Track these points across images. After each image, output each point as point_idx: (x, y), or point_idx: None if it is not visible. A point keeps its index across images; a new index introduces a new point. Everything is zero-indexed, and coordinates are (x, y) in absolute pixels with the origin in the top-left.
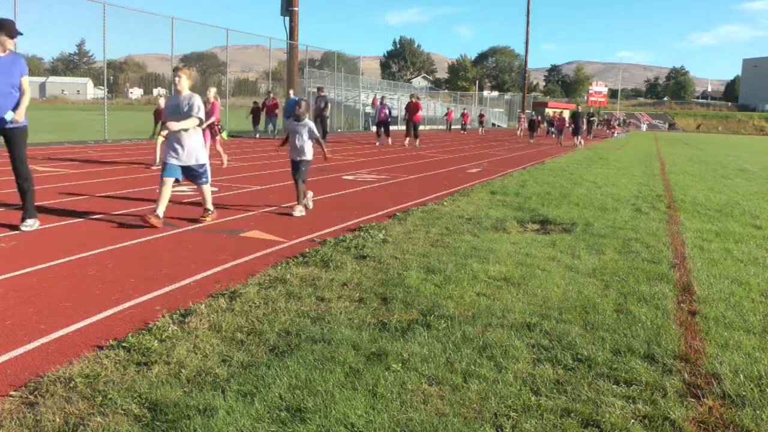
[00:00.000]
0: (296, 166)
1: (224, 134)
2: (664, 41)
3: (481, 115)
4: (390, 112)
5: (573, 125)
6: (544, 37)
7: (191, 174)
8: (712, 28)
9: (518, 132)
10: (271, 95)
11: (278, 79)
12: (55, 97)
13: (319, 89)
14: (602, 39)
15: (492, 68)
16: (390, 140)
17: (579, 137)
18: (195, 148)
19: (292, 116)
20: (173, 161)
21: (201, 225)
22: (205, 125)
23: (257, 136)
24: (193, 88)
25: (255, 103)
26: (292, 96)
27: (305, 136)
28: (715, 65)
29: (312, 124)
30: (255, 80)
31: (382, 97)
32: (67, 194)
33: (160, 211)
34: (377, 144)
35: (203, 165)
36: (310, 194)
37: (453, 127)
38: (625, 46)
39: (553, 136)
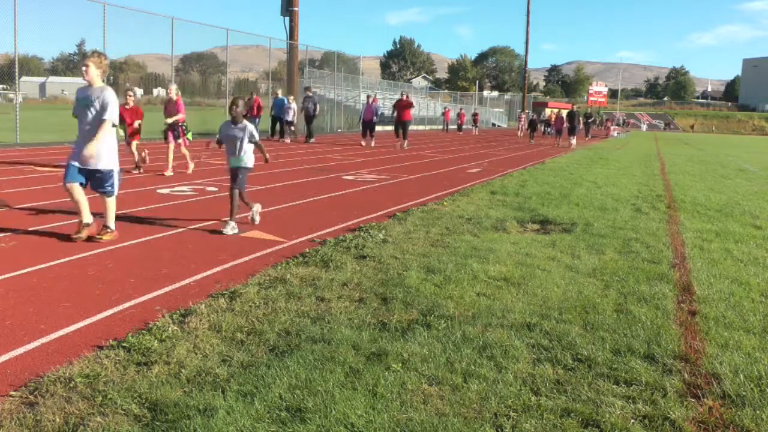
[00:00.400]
0: (234, 174)
1: (189, 135)
2: (664, 41)
3: (476, 115)
4: (377, 112)
5: (569, 125)
6: (544, 37)
7: (94, 180)
8: (712, 28)
9: (519, 133)
10: (254, 95)
11: (278, 79)
12: (55, 97)
13: (306, 89)
14: (602, 39)
15: (492, 68)
16: (374, 142)
17: (574, 137)
18: (102, 151)
19: (229, 119)
20: (74, 163)
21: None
22: (171, 121)
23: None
24: (192, 89)
25: (244, 102)
26: (279, 95)
27: (245, 141)
28: (715, 65)
29: (252, 127)
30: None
31: (369, 95)
32: (67, 194)
33: (86, 218)
34: (363, 145)
35: (110, 172)
36: (257, 207)
37: (450, 127)
38: (625, 46)
39: (550, 136)
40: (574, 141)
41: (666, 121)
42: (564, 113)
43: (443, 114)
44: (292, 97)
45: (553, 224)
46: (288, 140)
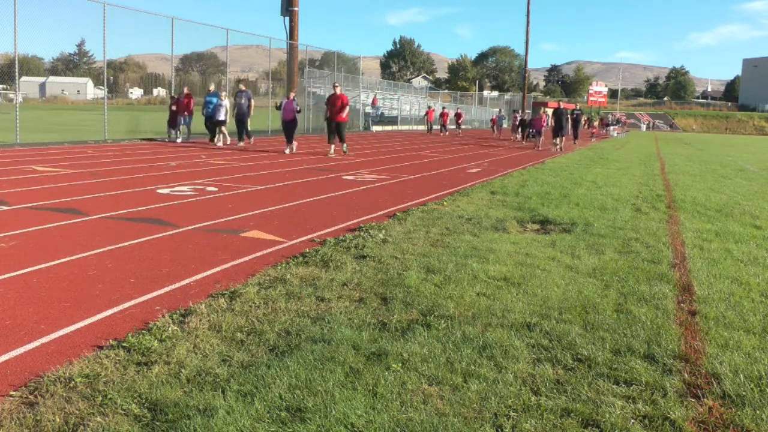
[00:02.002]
0: None
1: None
2: (664, 41)
3: (458, 114)
4: (298, 110)
5: (554, 125)
6: (544, 37)
7: None
8: (712, 28)
9: (495, 133)
10: (186, 90)
11: (278, 79)
12: (55, 97)
13: (239, 81)
14: (602, 39)
15: (492, 68)
16: (295, 146)
17: (560, 139)
18: None
19: None
20: None
21: (200, 225)
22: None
23: (171, 138)
24: (192, 89)
25: (172, 98)
26: (212, 90)
27: None
28: (715, 65)
29: None
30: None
31: (290, 91)
32: (67, 194)
33: None
34: (286, 152)
35: None
36: None
37: (434, 127)
38: (625, 46)
39: (532, 141)
40: (559, 143)
41: (667, 122)
42: (548, 111)
43: (426, 114)
44: (224, 93)
45: (553, 224)
46: (221, 144)
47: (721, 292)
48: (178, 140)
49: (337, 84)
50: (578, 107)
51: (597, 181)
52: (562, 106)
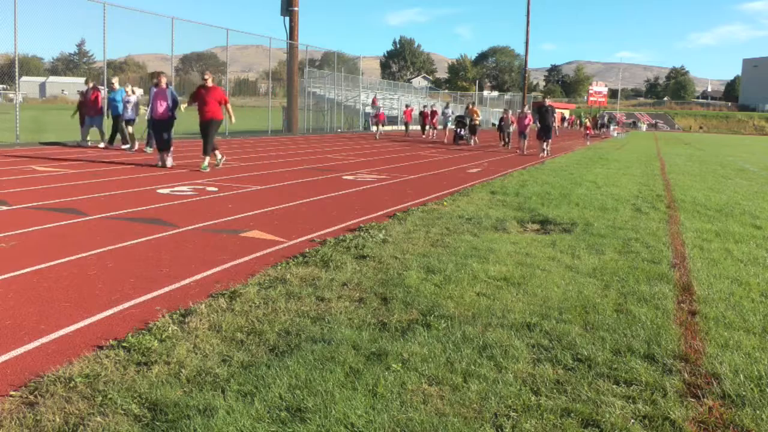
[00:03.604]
0: None
1: None
2: (664, 41)
3: (433, 113)
4: (176, 104)
5: (540, 126)
6: (544, 37)
7: None
8: (711, 28)
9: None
10: (92, 85)
11: (278, 79)
12: (55, 97)
13: (154, 75)
14: (602, 39)
15: (492, 68)
16: (171, 159)
17: (548, 142)
18: None
19: None
20: None
21: (200, 225)
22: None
23: (81, 142)
24: (192, 88)
25: (81, 94)
26: (116, 86)
27: None
28: (715, 65)
29: None
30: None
31: (162, 74)
32: (67, 194)
33: None
34: (159, 164)
35: None
36: None
37: (412, 128)
38: (625, 46)
39: (502, 144)
40: (547, 147)
41: (668, 123)
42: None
43: (404, 113)
44: (131, 87)
45: (553, 224)
46: (126, 147)
47: (721, 292)
48: (90, 144)
49: (207, 75)
50: (547, 101)
51: (597, 181)
52: (547, 103)
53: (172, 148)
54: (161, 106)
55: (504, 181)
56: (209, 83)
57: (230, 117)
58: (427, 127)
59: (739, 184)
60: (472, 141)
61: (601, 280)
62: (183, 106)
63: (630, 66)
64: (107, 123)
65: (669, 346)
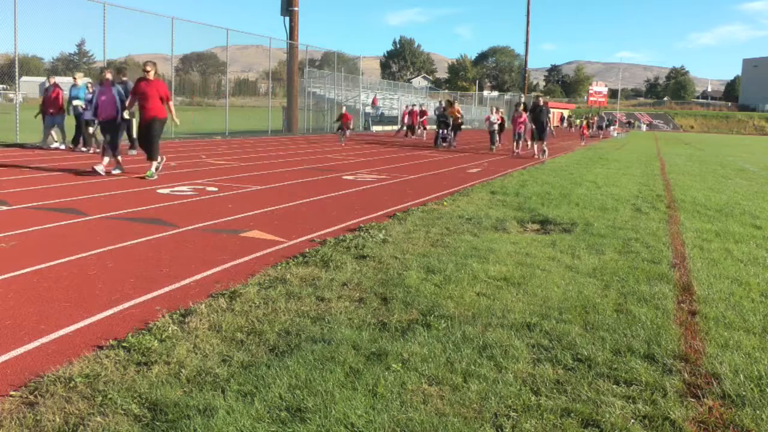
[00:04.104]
0: None
1: None
2: (664, 41)
3: (423, 112)
4: (123, 105)
5: (535, 126)
6: (544, 37)
7: None
8: (711, 28)
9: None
10: (52, 80)
11: (278, 79)
12: None
13: (116, 71)
14: (602, 39)
15: (492, 68)
16: (117, 163)
17: (543, 143)
18: None
19: None
20: None
21: (200, 225)
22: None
23: (46, 143)
24: (192, 88)
25: (47, 91)
26: (78, 83)
27: None
28: (715, 65)
29: None
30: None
31: (104, 71)
32: (67, 194)
33: None
34: (102, 172)
35: None
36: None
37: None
38: (625, 46)
39: (492, 147)
40: (545, 148)
41: (669, 123)
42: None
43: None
44: (89, 81)
45: (553, 224)
46: (90, 150)
47: (721, 292)
48: (53, 146)
49: (149, 66)
50: (541, 100)
51: (597, 181)
52: (542, 102)
53: (119, 156)
54: (105, 106)
55: (504, 181)
56: (150, 76)
57: (172, 117)
58: (415, 127)
59: (739, 184)
60: (455, 143)
61: (601, 280)
62: (127, 110)
63: (630, 66)
64: (71, 122)
65: (669, 346)
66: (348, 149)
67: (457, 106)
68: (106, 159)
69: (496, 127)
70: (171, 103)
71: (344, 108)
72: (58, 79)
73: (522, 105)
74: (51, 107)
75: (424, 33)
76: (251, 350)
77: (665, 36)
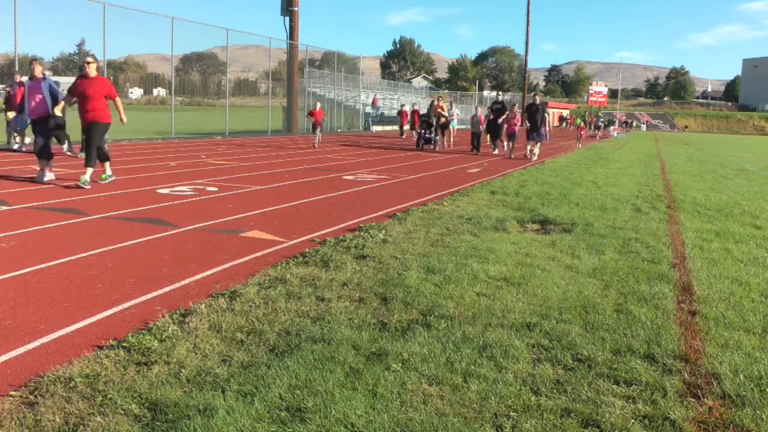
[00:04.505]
0: None
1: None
2: (664, 41)
3: (413, 112)
4: (54, 101)
5: (530, 126)
6: (544, 37)
7: None
8: (711, 28)
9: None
10: (17, 78)
11: (278, 79)
12: None
13: (35, 60)
14: (602, 39)
15: (492, 68)
16: (49, 171)
17: (537, 144)
18: None
19: None
20: None
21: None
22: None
23: (10, 144)
24: (192, 88)
25: (9, 90)
26: (39, 75)
27: None
28: (715, 65)
29: None
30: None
31: (33, 63)
32: (67, 194)
33: None
34: (36, 179)
35: None
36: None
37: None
38: (625, 46)
39: (472, 150)
40: (536, 149)
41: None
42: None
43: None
44: (48, 73)
45: (553, 224)
46: (65, 148)
47: (721, 292)
48: (15, 147)
49: (90, 59)
50: (538, 99)
51: (597, 181)
52: (538, 101)
53: (51, 161)
54: (35, 103)
55: (504, 181)
56: (92, 72)
57: (120, 115)
58: (406, 127)
59: (739, 184)
60: (440, 145)
61: (601, 280)
62: (59, 107)
63: (630, 66)
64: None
65: (669, 346)
66: (348, 149)
67: (442, 103)
68: (47, 169)
69: (483, 127)
70: (118, 100)
71: (318, 104)
72: (58, 79)
73: (516, 105)
74: (16, 107)
75: (424, 33)
76: (251, 350)
77: (665, 36)
